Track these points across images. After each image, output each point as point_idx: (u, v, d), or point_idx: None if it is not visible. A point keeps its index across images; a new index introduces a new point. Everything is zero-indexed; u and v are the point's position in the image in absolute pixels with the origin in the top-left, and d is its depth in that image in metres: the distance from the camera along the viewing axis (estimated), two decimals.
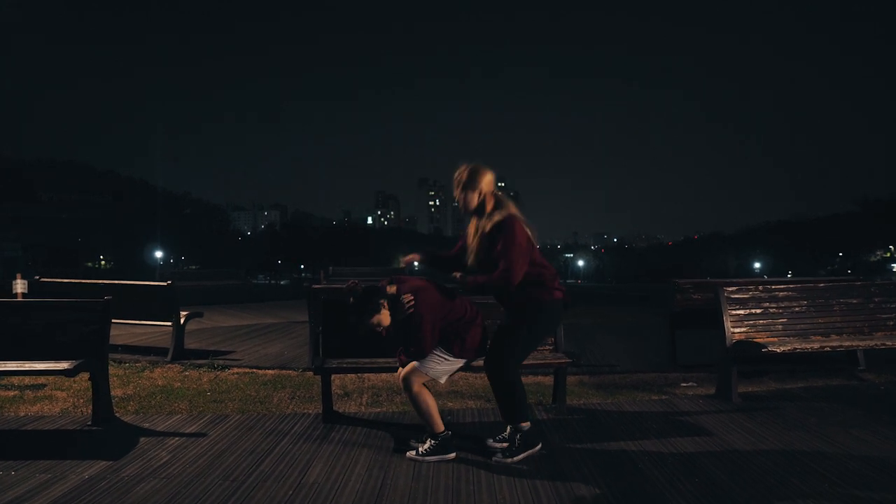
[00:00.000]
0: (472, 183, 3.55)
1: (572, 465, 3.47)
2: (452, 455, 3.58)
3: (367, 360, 4.37)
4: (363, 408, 4.84)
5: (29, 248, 65.66)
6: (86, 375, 4.36)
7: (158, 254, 59.08)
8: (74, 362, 4.09)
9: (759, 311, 4.95)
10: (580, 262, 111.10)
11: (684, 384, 5.59)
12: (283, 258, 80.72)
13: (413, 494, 3.09)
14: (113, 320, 6.88)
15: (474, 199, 3.57)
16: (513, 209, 3.58)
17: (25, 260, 58.97)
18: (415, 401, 3.56)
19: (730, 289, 4.98)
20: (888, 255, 75.75)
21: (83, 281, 7.95)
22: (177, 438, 3.99)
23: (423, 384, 3.58)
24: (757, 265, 69.18)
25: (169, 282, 7.07)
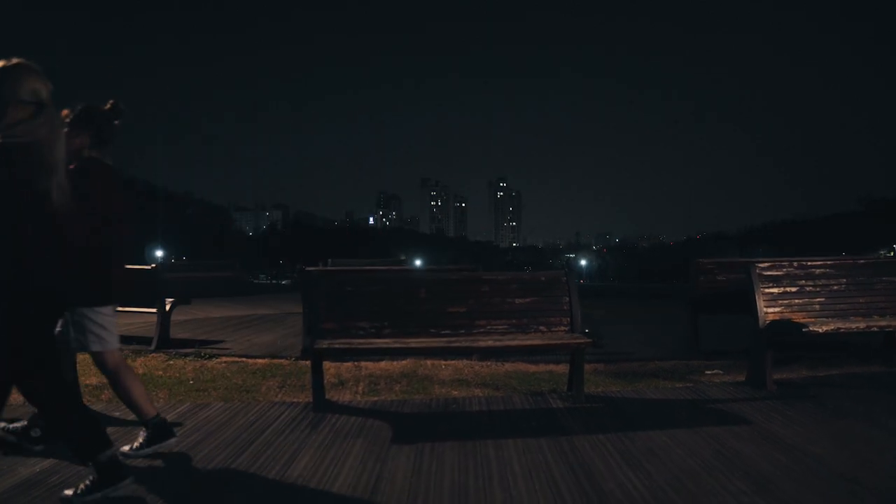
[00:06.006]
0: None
1: (595, 456, 3.03)
2: (173, 441, 3.09)
3: (361, 340, 3.93)
4: (358, 396, 4.40)
5: None
6: None
7: (159, 253, 58.62)
8: None
9: (794, 289, 4.49)
10: (582, 262, 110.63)
11: (709, 371, 5.14)
12: (284, 258, 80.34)
13: (413, 490, 2.66)
14: None
15: None
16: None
17: None
18: (114, 386, 3.04)
19: (762, 265, 4.52)
20: (891, 254, 75.17)
21: None
22: None
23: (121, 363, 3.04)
24: None
25: (153, 265, 6.64)
